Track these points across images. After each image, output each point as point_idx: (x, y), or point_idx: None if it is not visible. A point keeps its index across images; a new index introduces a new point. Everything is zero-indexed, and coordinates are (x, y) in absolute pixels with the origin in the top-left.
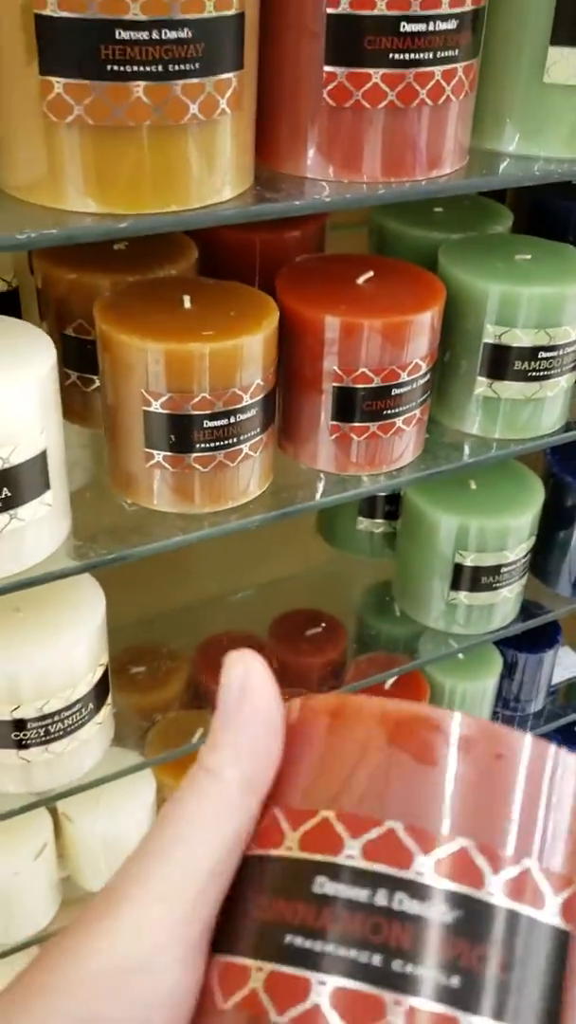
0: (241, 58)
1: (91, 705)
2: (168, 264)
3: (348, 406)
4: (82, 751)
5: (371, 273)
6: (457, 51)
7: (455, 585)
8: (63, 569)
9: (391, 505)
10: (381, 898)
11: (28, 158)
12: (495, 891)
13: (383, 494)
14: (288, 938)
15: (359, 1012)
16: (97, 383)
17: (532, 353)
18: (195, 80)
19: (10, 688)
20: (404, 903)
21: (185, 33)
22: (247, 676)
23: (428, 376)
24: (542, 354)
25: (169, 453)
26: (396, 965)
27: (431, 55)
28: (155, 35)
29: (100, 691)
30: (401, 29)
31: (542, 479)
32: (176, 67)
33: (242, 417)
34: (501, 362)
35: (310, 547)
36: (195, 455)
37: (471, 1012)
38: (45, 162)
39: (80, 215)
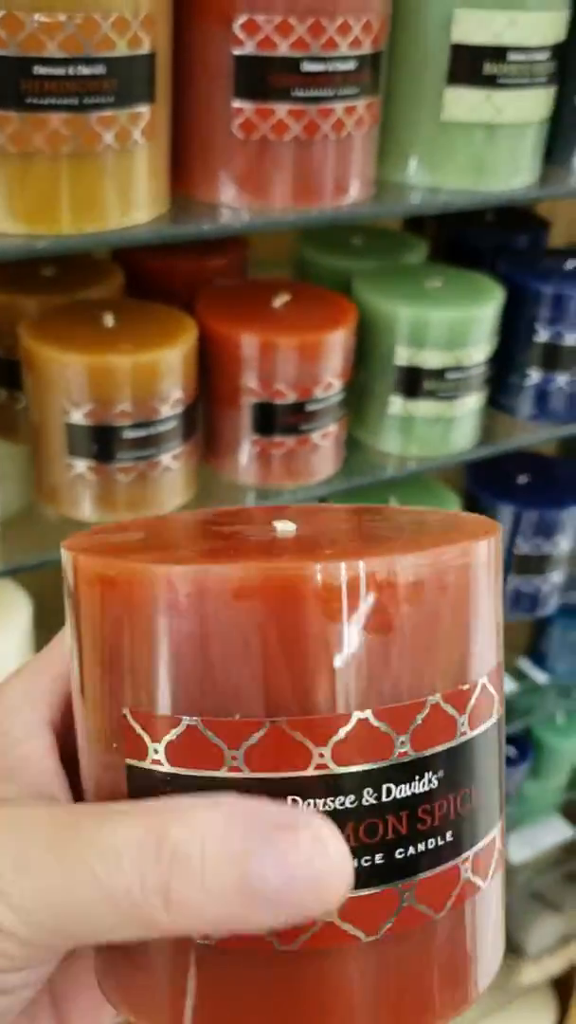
0: (153, 92)
1: None
2: (94, 289)
3: (267, 421)
4: None
5: (287, 296)
6: (358, 89)
7: None
8: None
9: None
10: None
11: None
12: (466, 730)
13: None
14: None
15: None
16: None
17: (441, 374)
18: (109, 112)
19: None
20: (394, 790)
21: (99, 69)
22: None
23: (343, 394)
24: (450, 375)
25: (92, 463)
26: (399, 854)
27: (332, 92)
28: (71, 71)
29: None
30: (302, 69)
31: (461, 497)
32: (91, 100)
33: (162, 428)
34: (412, 383)
35: None
36: (117, 465)
37: (468, 848)
38: None
39: (1, 236)
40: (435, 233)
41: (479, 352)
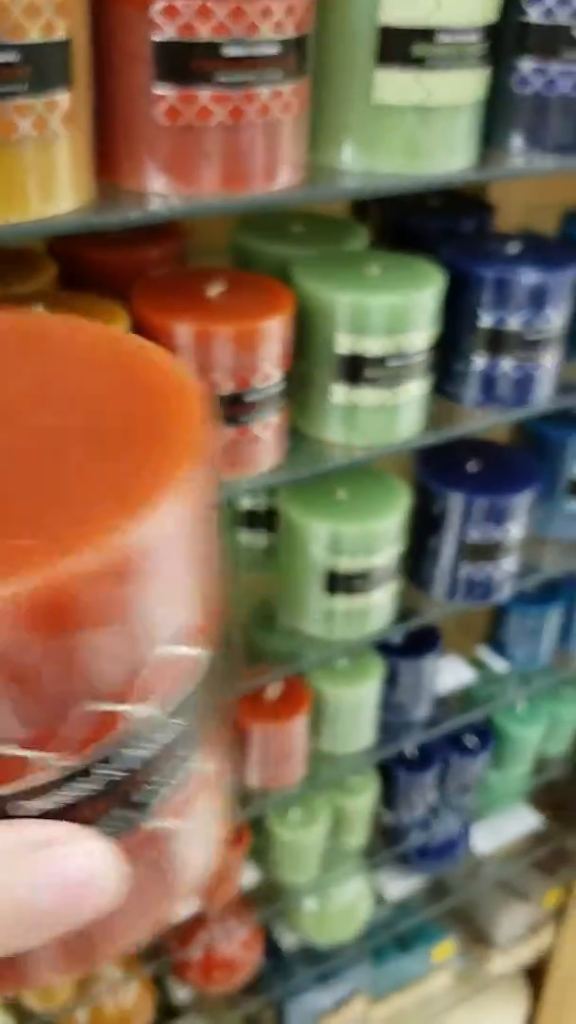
0: (71, 80)
1: None
2: (26, 283)
3: None
4: None
5: (223, 285)
6: (282, 73)
7: (331, 590)
8: None
9: (272, 518)
10: None
11: None
12: (191, 672)
13: (262, 509)
14: None
15: None
16: None
17: (382, 361)
18: (24, 100)
19: None
20: (130, 753)
21: (12, 57)
22: None
23: (283, 384)
24: (391, 362)
25: None
26: (138, 798)
27: (256, 77)
28: None
29: None
30: (224, 54)
31: (410, 485)
32: (4, 88)
33: None
34: (354, 371)
35: None
36: None
37: (197, 756)
38: None
39: None
40: (379, 219)
41: (421, 338)
